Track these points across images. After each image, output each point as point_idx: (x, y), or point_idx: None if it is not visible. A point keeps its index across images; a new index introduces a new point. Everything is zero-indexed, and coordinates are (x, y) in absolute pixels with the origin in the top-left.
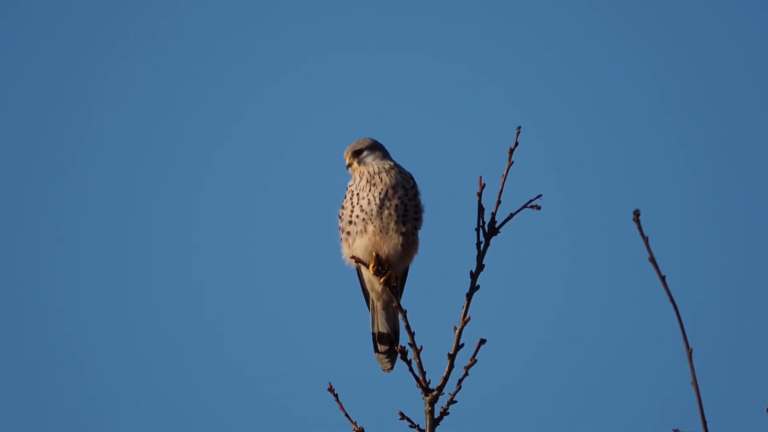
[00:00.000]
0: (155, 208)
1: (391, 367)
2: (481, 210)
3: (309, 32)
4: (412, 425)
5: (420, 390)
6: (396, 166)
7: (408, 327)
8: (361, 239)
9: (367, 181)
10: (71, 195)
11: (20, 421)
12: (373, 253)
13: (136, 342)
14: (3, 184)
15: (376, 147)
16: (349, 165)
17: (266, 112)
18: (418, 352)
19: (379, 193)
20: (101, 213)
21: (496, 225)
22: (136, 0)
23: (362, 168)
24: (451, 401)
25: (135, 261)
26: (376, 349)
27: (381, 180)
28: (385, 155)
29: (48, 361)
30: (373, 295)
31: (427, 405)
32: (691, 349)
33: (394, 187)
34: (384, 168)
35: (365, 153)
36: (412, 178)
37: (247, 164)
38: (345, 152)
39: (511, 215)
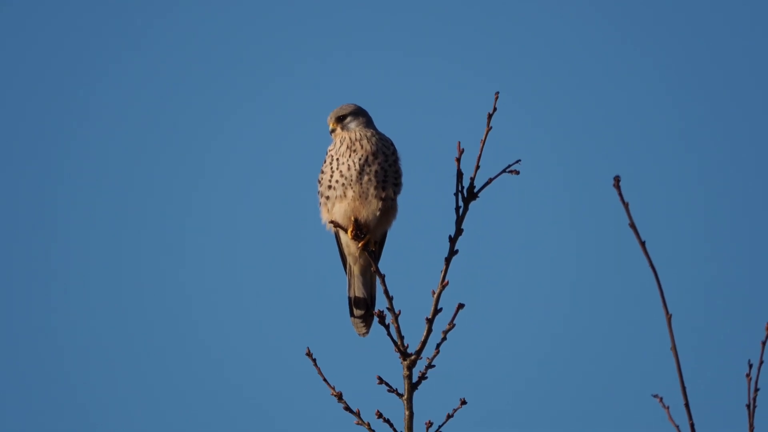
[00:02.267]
0: (146, 206)
1: (366, 332)
2: (459, 175)
3: (296, 33)
4: (390, 390)
5: (398, 354)
6: (377, 133)
7: (386, 291)
8: (340, 204)
9: (348, 147)
10: (63, 192)
11: (8, 422)
12: (352, 218)
13: (125, 341)
14: None
15: (359, 113)
16: (333, 130)
17: (259, 112)
18: (396, 316)
19: (359, 159)
20: (92, 212)
21: (475, 190)
22: None
23: (344, 133)
24: (429, 366)
25: (124, 257)
26: (351, 314)
27: (362, 147)
28: (369, 122)
29: (36, 362)
30: (350, 260)
31: (405, 369)
32: (671, 314)
33: (374, 154)
34: (365, 135)
35: (349, 119)
36: (392, 144)
37: (237, 163)
38: (328, 117)
39: (490, 180)
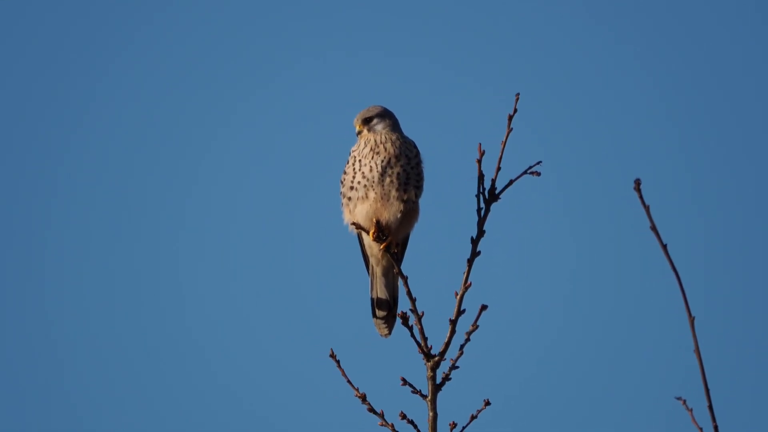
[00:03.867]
0: (143, 207)
1: (389, 333)
2: (481, 176)
3: (299, 34)
4: (414, 391)
5: (422, 356)
6: (402, 136)
7: (409, 293)
8: (362, 205)
9: (371, 149)
10: (59, 191)
11: (4, 422)
12: (374, 220)
13: (120, 343)
14: None
15: (385, 115)
16: (359, 132)
17: (257, 113)
18: (419, 317)
19: (382, 161)
20: (87, 213)
21: (496, 191)
22: None
23: (370, 135)
24: (453, 367)
25: (120, 259)
26: (374, 314)
27: (385, 149)
28: (395, 124)
29: (29, 362)
30: (372, 261)
31: (429, 371)
32: (693, 317)
33: (396, 156)
34: (390, 138)
35: (375, 120)
36: (415, 146)
37: (237, 164)
38: (355, 119)
39: (511, 181)
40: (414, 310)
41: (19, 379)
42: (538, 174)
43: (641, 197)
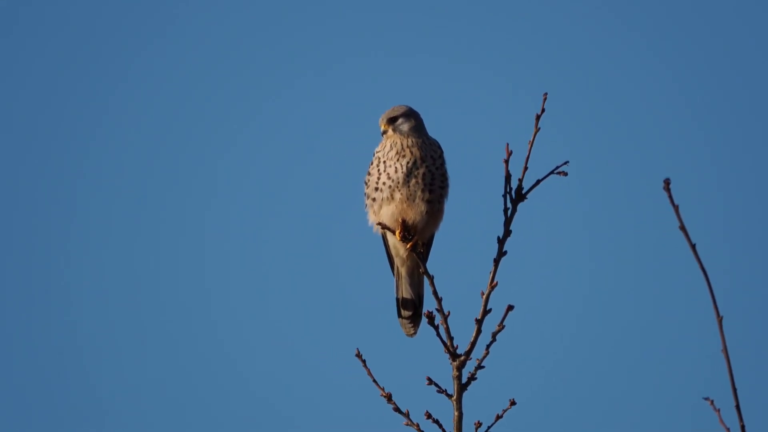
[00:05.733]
0: (165, 209)
1: (415, 332)
2: (508, 176)
3: (322, 38)
4: (440, 390)
5: (447, 355)
6: (428, 139)
7: (435, 292)
8: (387, 206)
9: (397, 152)
10: (81, 195)
11: (23, 420)
12: (399, 220)
13: (143, 342)
14: (12, 185)
15: (411, 114)
16: (384, 132)
17: (279, 116)
18: (445, 317)
19: (407, 163)
20: (110, 214)
21: (523, 191)
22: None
23: (396, 136)
24: (479, 366)
25: (143, 260)
26: (399, 315)
27: (411, 153)
28: (420, 125)
29: (52, 361)
30: (397, 261)
31: (455, 370)
32: (722, 317)
33: (422, 158)
34: (417, 143)
35: (400, 120)
36: (439, 146)
37: (258, 167)
38: (380, 119)
39: (538, 181)
40: (440, 310)
41: (45, 376)
42: (565, 174)
43: (670, 197)
